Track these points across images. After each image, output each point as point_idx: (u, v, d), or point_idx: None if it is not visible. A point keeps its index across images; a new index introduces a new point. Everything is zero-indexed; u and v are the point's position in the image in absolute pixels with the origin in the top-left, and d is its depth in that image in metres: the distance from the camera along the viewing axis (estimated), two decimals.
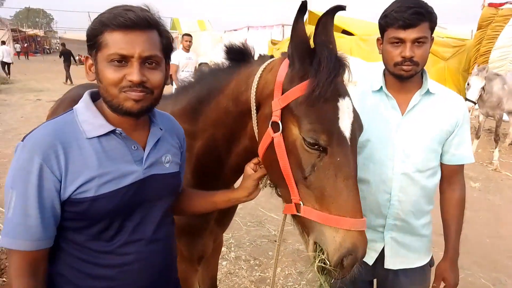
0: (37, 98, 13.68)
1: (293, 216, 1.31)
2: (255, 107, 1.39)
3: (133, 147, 1.20)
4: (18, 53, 37.43)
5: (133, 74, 1.08)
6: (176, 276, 1.45)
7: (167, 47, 1.20)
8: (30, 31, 48.12)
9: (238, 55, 1.55)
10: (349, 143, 1.23)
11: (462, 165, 1.78)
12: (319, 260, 1.21)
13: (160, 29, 1.17)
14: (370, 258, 1.78)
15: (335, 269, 1.19)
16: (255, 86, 1.38)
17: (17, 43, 39.87)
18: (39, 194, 1.05)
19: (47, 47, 51.19)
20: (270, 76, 1.36)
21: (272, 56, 1.51)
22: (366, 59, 10.38)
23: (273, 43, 17.04)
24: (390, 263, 1.78)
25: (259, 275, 3.59)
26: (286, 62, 1.32)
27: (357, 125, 1.29)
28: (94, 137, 1.14)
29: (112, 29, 1.07)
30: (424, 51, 1.59)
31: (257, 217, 4.82)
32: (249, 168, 1.44)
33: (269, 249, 4.08)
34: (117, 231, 1.18)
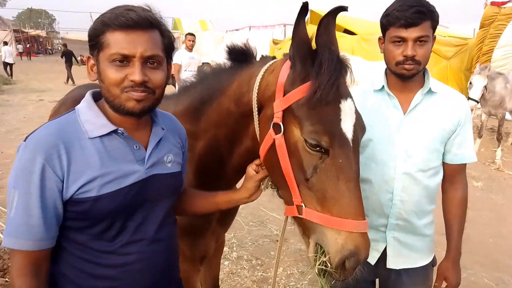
0: (40, 99, 13.71)
1: (295, 217, 1.30)
2: (256, 109, 1.38)
3: (135, 147, 1.20)
4: (20, 54, 37.57)
5: (135, 74, 1.08)
6: (178, 276, 1.45)
7: (169, 47, 1.20)
8: (33, 32, 48.35)
9: (240, 56, 1.55)
10: (351, 144, 1.22)
11: (465, 165, 1.77)
12: (320, 262, 1.19)
13: (162, 28, 1.17)
14: (372, 258, 1.78)
15: (336, 271, 1.18)
16: (257, 88, 1.38)
17: (20, 43, 39.98)
18: (42, 194, 1.06)
19: (49, 48, 51.30)
20: (272, 77, 1.36)
21: (274, 57, 1.51)
22: (367, 59, 10.38)
23: (275, 42, 17.03)
24: (392, 263, 1.78)
25: (261, 275, 3.59)
26: (288, 63, 1.32)
27: (359, 127, 1.28)
28: (96, 137, 1.14)
29: (114, 29, 1.07)
30: (426, 50, 1.58)
31: (259, 217, 4.82)
32: (251, 169, 1.43)
33: (271, 249, 4.08)
34: (119, 231, 1.18)
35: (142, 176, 1.19)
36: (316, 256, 1.22)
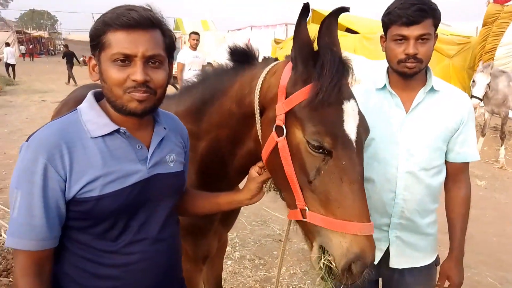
0: (42, 99, 13.76)
1: (298, 221, 1.29)
2: (258, 111, 1.38)
3: (137, 146, 1.20)
4: (23, 55, 37.71)
5: (137, 73, 1.08)
6: (181, 276, 1.45)
7: (170, 46, 1.20)
8: (35, 33, 48.47)
9: (242, 57, 1.55)
10: (354, 146, 1.21)
11: (467, 163, 1.77)
12: (323, 262, 1.18)
13: (163, 28, 1.17)
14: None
15: (342, 275, 1.15)
16: (259, 90, 1.37)
17: (22, 44, 40.14)
18: (44, 194, 1.06)
19: (52, 49, 51.44)
20: (274, 79, 1.35)
21: (276, 59, 1.50)
22: (370, 58, 10.35)
23: (277, 42, 17.01)
24: (395, 263, 1.77)
25: (264, 274, 3.59)
26: (290, 65, 1.31)
27: (362, 128, 1.27)
28: (98, 137, 1.14)
29: (115, 29, 1.08)
30: (428, 48, 1.58)
31: (262, 217, 4.82)
32: (253, 171, 1.43)
33: (273, 248, 4.08)
34: (122, 230, 1.18)
35: (144, 175, 1.20)
36: (320, 258, 1.20)
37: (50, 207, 1.07)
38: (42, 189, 1.05)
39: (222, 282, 2.57)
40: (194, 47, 8.32)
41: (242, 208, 2.20)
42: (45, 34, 52.48)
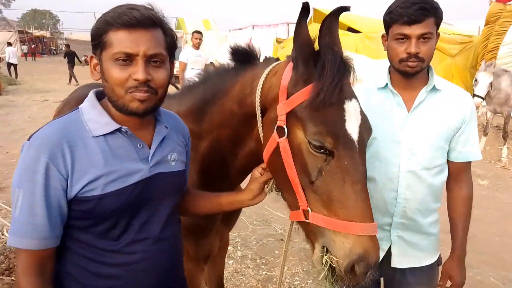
0: (44, 99, 13.80)
1: (300, 222, 1.28)
2: (260, 111, 1.38)
3: (138, 145, 1.20)
4: (25, 54, 37.80)
5: (138, 72, 1.08)
6: (183, 275, 1.45)
7: (171, 45, 1.20)
8: (37, 33, 48.57)
9: (243, 57, 1.54)
10: (356, 146, 1.20)
11: (469, 163, 1.76)
12: (326, 264, 1.16)
13: (164, 27, 1.17)
14: None
15: (346, 276, 1.14)
16: (260, 90, 1.37)
17: (24, 44, 40.24)
18: (46, 193, 1.06)
19: (54, 48, 51.57)
20: (275, 80, 1.35)
21: (277, 59, 1.50)
22: (372, 57, 10.32)
23: (278, 41, 17.01)
24: (397, 262, 1.77)
25: (266, 274, 3.59)
26: (291, 65, 1.31)
27: (364, 128, 1.26)
28: (100, 136, 1.14)
29: (117, 28, 1.07)
30: (430, 47, 1.57)
31: (263, 216, 4.82)
32: (256, 171, 1.43)
33: (275, 248, 4.08)
34: (124, 229, 1.18)
35: (146, 174, 1.20)
36: (322, 259, 1.18)
37: (52, 206, 1.07)
38: (44, 188, 1.05)
39: (224, 282, 2.58)
40: (197, 46, 8.28)
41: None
42: (47, 33, 52.62)
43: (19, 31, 40.68)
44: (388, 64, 1.71)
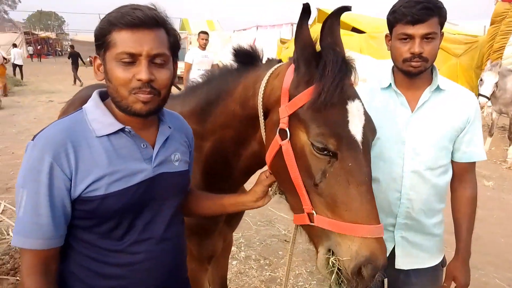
0: (49, 100, 13.88)
1: (303, 225, 1.27)
2: (262, 113, 1.37)
3: (142, 145, 1.20)
4: (31, 55, 38.05)
5: (142, 72, 1.08)
6: (186, 276, 1.45)
7: (175, 46, 1.20)
8: (42, 34, 48.85)
9: (246, 58, 1.54)
10: (360, 147, 1.19)
11: (474, 163, 1.75)
12: (332, 267, 1.15)
13: (167, 27, 1.17)
14: None
15: (352, 280, 1.12)
16: (262, 92, 1.37)
17: (30, 45, 40.51)
18: (50, 193, 1.06)
19: (59, 49, 51.87)
20: (277, 82, 1.35)
21: (280, 60, 1.49)
22: (376, 57, 10.29)
23: (282, 42, 16.99)
24: (401, 263, 1.76)
25: (269, 274, 3.59)
26: (293, 67, 1.30)
27: (368, 129, 1.25)
28: (103, 136, 1.14)
29: (120, 28, 1.08)
30: (433, 46, 1.57)
31: (267, 217, 4.81)
32: (264, 175, 1.42)
33: (279, 248, 4.07)
34: (127, 229, 1.18)
35: (149, 174, 1.20)
36: (327, 262, 1.17)
37: (56, 206, 1.08)
38: (48, 187, 1.06)
39: (227, 282, 2.58)
40: (203, 47, 8.16)
41: None
42: (52, 35, 52.89)
43: (25, 33, 40.96)
44: (392, 64, 1.71)
